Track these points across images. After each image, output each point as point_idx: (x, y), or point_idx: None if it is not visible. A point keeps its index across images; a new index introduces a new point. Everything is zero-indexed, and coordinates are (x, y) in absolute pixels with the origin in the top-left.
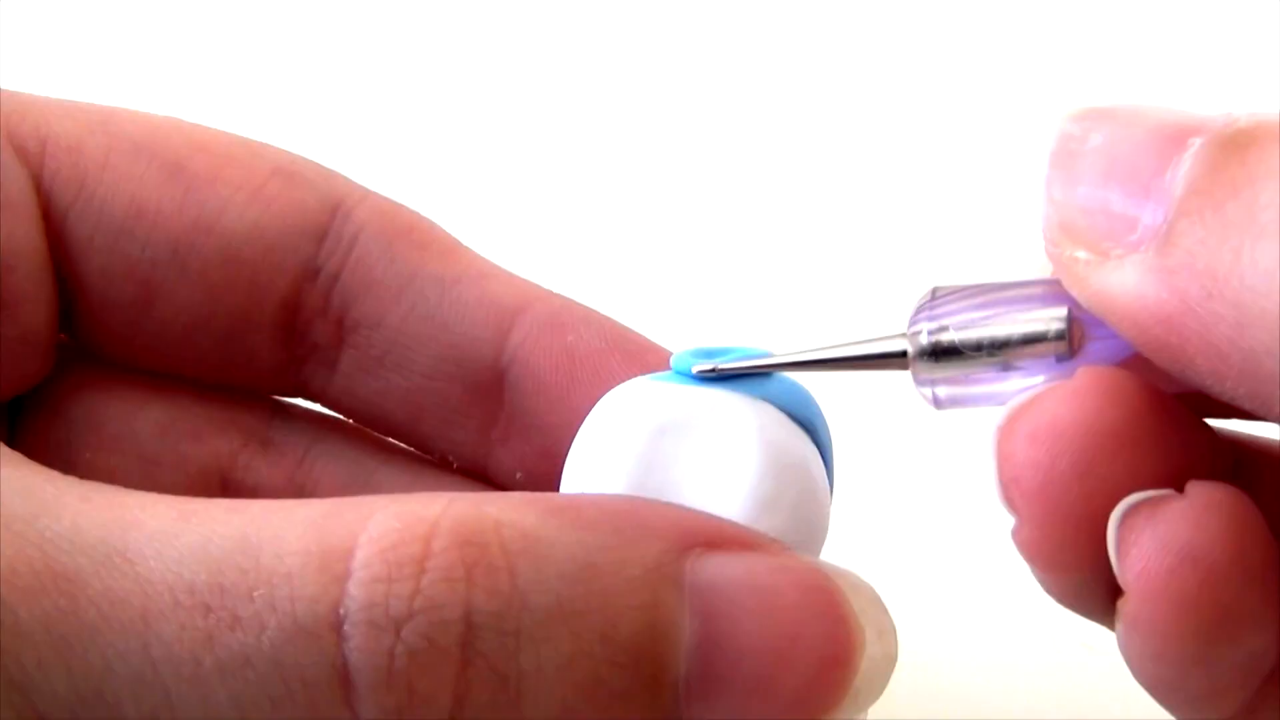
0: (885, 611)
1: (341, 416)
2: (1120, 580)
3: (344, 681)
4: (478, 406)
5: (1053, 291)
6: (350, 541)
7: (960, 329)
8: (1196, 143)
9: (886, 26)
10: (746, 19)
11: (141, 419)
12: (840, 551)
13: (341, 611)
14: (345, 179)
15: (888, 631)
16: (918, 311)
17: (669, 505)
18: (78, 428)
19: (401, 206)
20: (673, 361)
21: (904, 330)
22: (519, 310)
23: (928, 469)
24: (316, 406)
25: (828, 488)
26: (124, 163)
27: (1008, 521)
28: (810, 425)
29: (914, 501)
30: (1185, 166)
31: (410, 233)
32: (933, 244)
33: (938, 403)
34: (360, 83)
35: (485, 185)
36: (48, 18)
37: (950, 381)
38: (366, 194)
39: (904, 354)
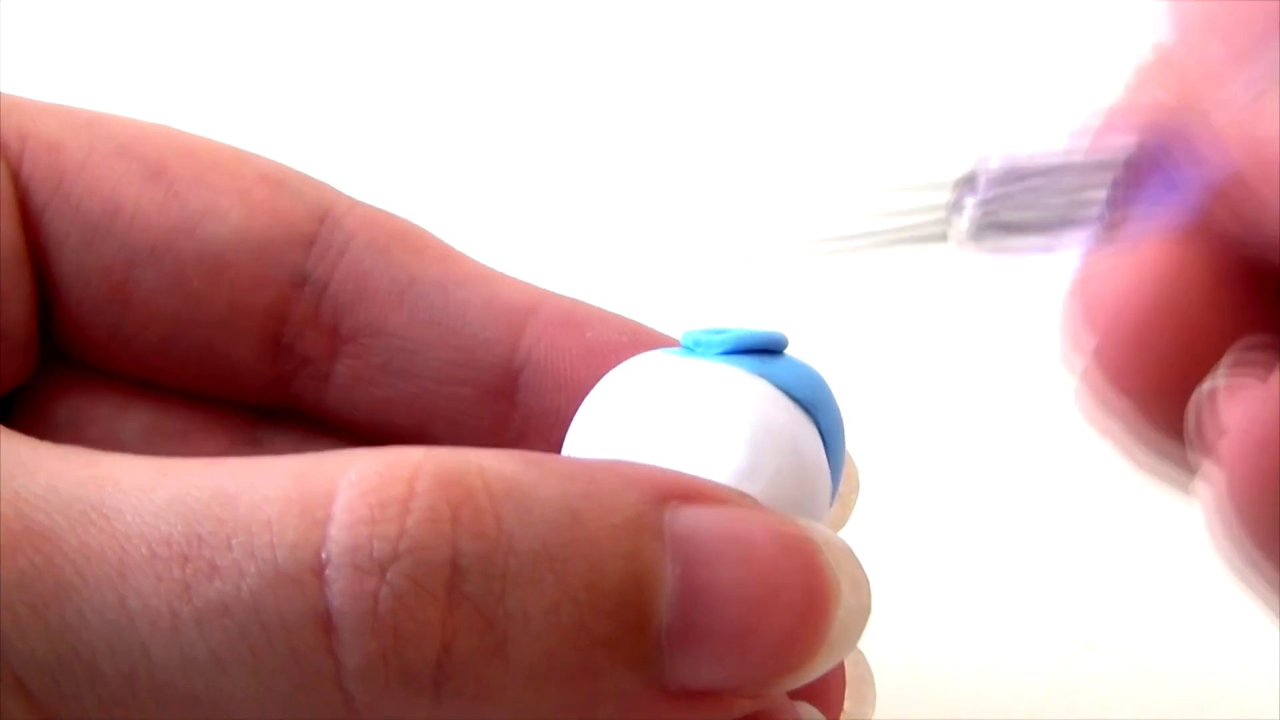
0: (859, 564)
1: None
2: (1201, 455)
3: (326, 627)
4: (489, 408)
5: (1095, 164)
6: (331, 487)
7: (1001, 206)
8: None
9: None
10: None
11: (126, 421)
12: None
13: (324, 556)
14: (333, 189)
15: (862, 583)
16: (958, 189)
17: (643, 464)
18: (62, 431)
19: (392, 214)
20: (682, 337)
21: (945, 205)
22: (529, 310)
23: (926, 469)
24: None
25: (823, 471)
26: (104, 162)
27: (1007, 521)
28: (810, 407)
29: (913, 500)
30: None
31: (404, 239)
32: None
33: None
34: (346, 97)
35: (469, 194)
36: (46, 20)
37: (993, 252)
38: (355, 203)
39: (943, 233)
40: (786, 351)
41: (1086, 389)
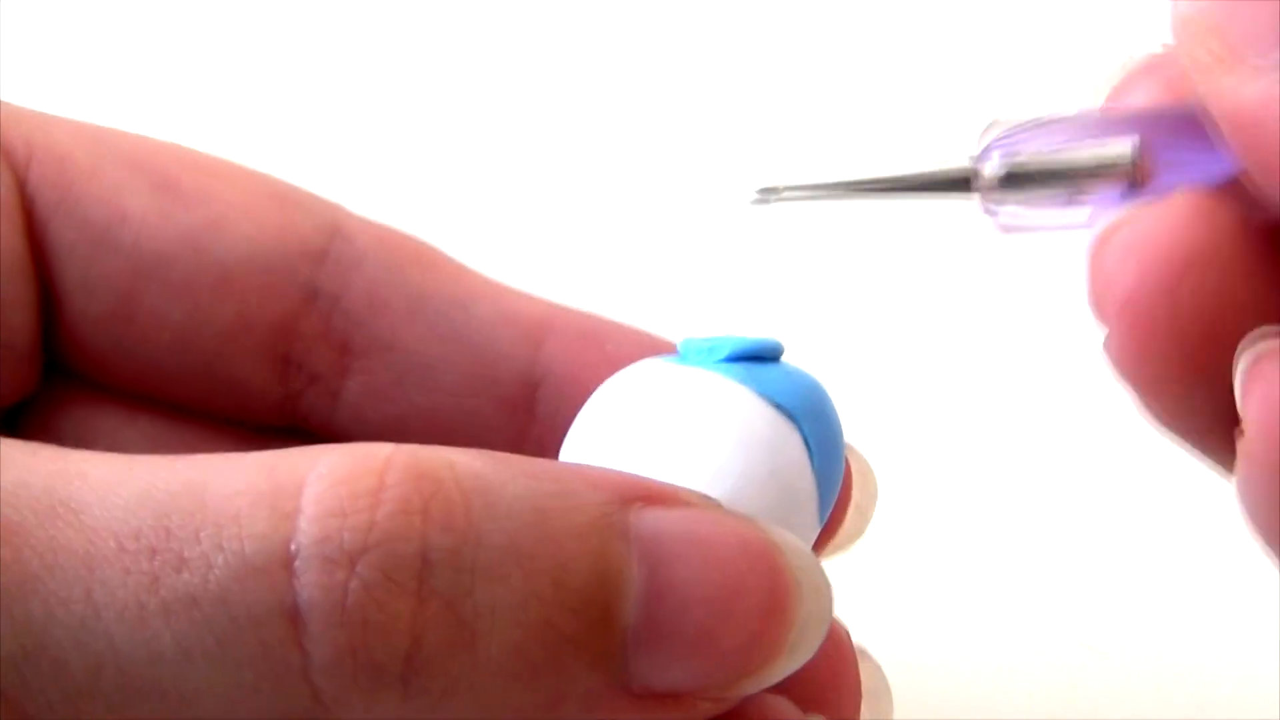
0: (821, 571)
1: None
2: (1242, 417)
3: (294, 619)
4: (508, 421)
5: (1121, 119)
6: (300, 479)
7: (1029, 155)
8: None
9: None
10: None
11: (131, 432)
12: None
13: (293, 548)
14: (343, 207)
15: (823, 589)
16: (985, 140)
17: (606, 468)
18: (67, 443)
19: (402, 232)
20: (679, 345)
21: (970, 157)
22: (545, 324)
23: (927, 470)
24: None
25: (803, 479)
26: (112, 174)
27: (1010, 522)
28: (795, 415)
29: (913, 501)
30: None
31: (417, 256)
32: None
33: (1003, 229)
34: (353, 118)
35: (475, 212)
36: (51, 37)
37: (1015, 206)
38: (366, 221)
39: (967, 180)
40: (784, 359)
41: (1113, 344)
